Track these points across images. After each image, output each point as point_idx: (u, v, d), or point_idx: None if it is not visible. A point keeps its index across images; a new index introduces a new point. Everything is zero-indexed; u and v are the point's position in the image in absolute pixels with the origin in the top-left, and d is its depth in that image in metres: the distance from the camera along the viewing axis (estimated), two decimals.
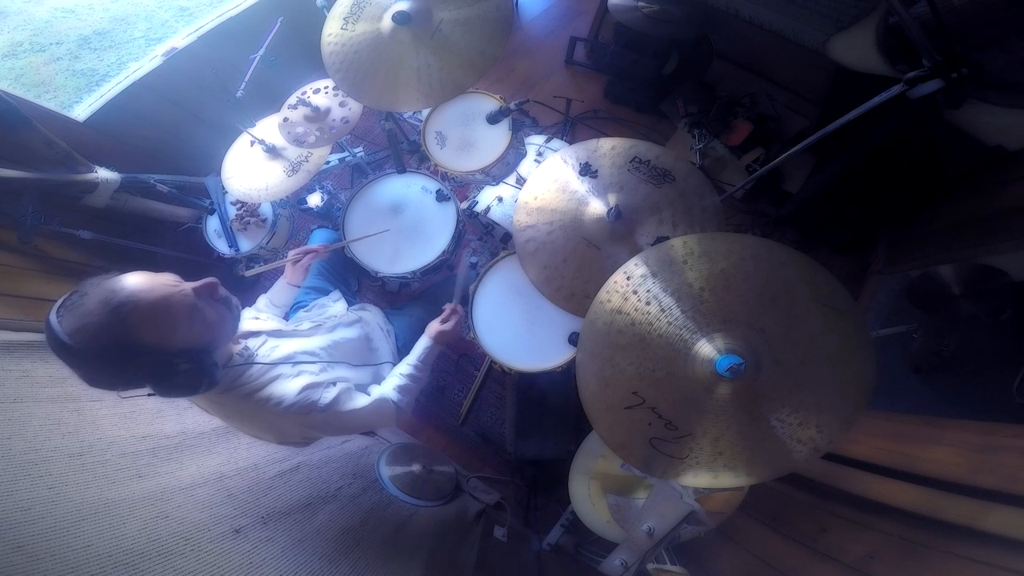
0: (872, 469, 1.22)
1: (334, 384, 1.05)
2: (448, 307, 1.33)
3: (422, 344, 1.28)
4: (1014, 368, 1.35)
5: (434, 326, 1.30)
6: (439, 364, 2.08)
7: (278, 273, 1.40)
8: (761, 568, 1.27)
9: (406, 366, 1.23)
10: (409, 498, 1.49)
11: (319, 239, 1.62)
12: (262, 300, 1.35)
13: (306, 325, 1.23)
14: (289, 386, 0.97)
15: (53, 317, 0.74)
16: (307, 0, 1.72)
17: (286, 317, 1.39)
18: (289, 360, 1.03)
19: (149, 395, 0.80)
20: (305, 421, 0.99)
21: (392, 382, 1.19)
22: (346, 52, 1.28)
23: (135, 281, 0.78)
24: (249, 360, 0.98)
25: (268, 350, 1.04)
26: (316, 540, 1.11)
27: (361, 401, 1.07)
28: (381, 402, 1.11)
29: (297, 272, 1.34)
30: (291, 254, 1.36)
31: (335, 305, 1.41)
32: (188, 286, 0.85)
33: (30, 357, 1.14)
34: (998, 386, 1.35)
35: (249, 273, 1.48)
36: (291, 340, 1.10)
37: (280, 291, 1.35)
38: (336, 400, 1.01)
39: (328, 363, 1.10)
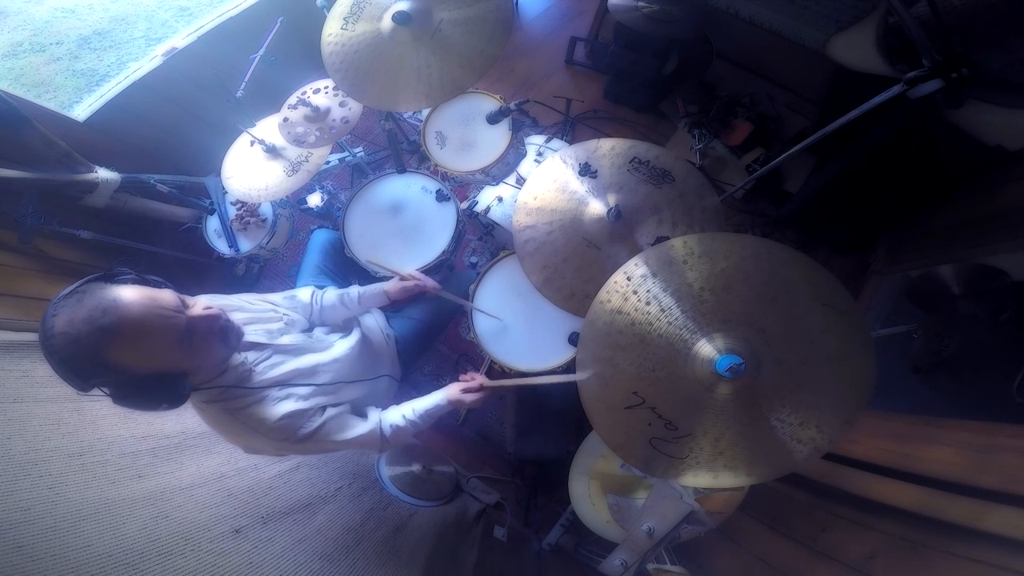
0: (872, 469, 1.22)
1: (323, 411, 1.03)
2: (478, 378, 1.22)
3: (435, 400, 1.20)
4: (1014, 368, 1.35)
5: (455, 392, 1.20)
6: (439, 364, 2.08)
7: (282, 267, 1.37)
8: (761, 568, 1.27)
9: (411, 411, 1.17)
10: (409, 498, 1.49)
11: (319, 239, 1.61)
12: (355, 291, 1.30)
13: (317, 335, 1.21)
14: (272, 410, 0.96)
15: (51, 309, 0.75)
16: (307, 0, 1.72)
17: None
18: (282, 383, 1.01)
19: (107, 394, 0.80)
20: (280, 446, 0.99)
21: (391, 419, 1.15)
22: (346, 52, 1.28)
23: (128, 302, 0.77)
24: (243, 379, 0.97)
25: (267, 367, 1.02)
26: (316, 540, 1.11)
27: (350, 433, 1.05)
28: (370, 434, 1.09)
29: (399, 290, 1.29)
30: (407, 272, 1.31)
31: None
32: (184, 316, 0.83)
33: (30, 357, 1.14)
34: (998, 386, 1.35)
35: (369, 264, 1.45)
36: (295, 359, 1.08)
37: (375, 296, 1.30)
38: (318, 430, 1.00)
39: (323, 385, 1.08)
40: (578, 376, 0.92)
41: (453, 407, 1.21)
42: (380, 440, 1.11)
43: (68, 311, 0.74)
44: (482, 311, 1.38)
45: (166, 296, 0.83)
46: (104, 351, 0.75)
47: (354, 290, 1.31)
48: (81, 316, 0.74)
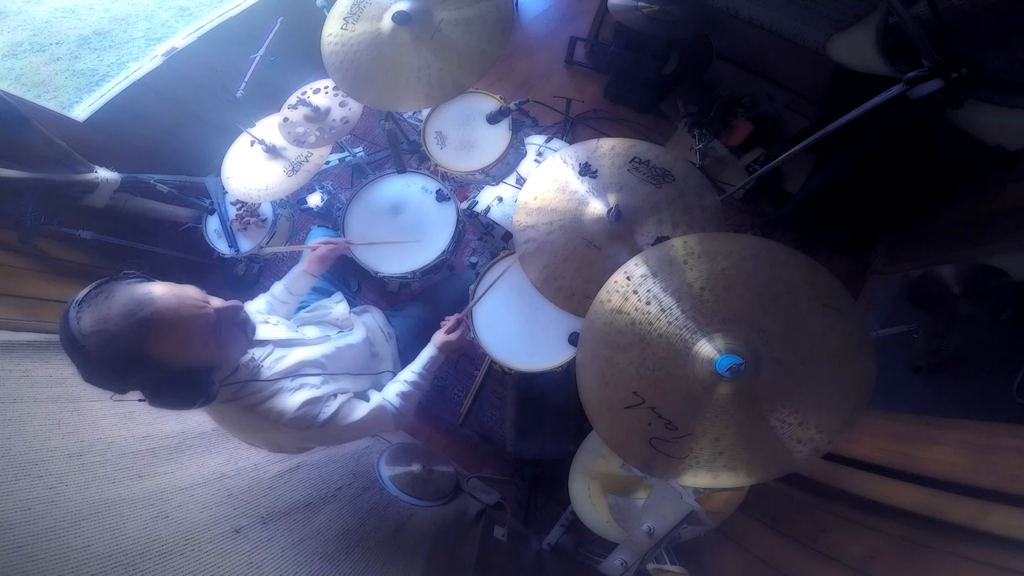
0: (872, 469, 1.22)
1: (335, 396, 1.05)
2: (451, 317, 1.33)
3: (427, 354, 1.28)
4: (1014, 368, 1.35)
5: (439, 336, 1.30)
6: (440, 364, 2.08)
7: (285, 265, 1.39)
8: (761, 568, 1.27)
9: (410, 373, 1.23)
10: (409, 498, 1.49)
11: (317, 238, 1.62)
12: (278, 287, 1.33)
13: (312, 332, 1.23)
14: (289, 401, 0.97)
15: (73, 311, 0.73)
16: (307, 0, 1.72)
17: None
18: (291, 374, 1.03)
19: (140, 400, 0.80)
20: (303, 436, 1.00)
21: (395, 388, 1.20)
22: (346, 52, 1.28)
23: (162, 295, 0.78)
24: (254, 374, 0.98)
25: (273, 361, 1.03)
26: (316, 540, 1.11)
27: (360, 412, 1.07)
28: (379, 410, 1.12)
29: (316, 262, 1.34)
30: (315, 242, 1.35)
31: (337, 307, 1.40)
32: (212, 307, 0.85)
33: (30, 357, 1.14)
34: (998, 386, 1.35)
35: (266, 251, 1.48)
36: (297, 350, 1.10)
37: (297, 279, 1.34)
38: (335, 414, 1.02)
39: (331, 374, 1.10)
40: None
41: (445, 352, 1.29)
42: (393, 411, 1.14)
43: (96, 311, 0.73)
44: (389, 241, 1.49)
45: (191, 290, 0.84)
46: (144, 344, 0.75)
47: (277, 286, 1.34)
48: (116, 312, 0.73)
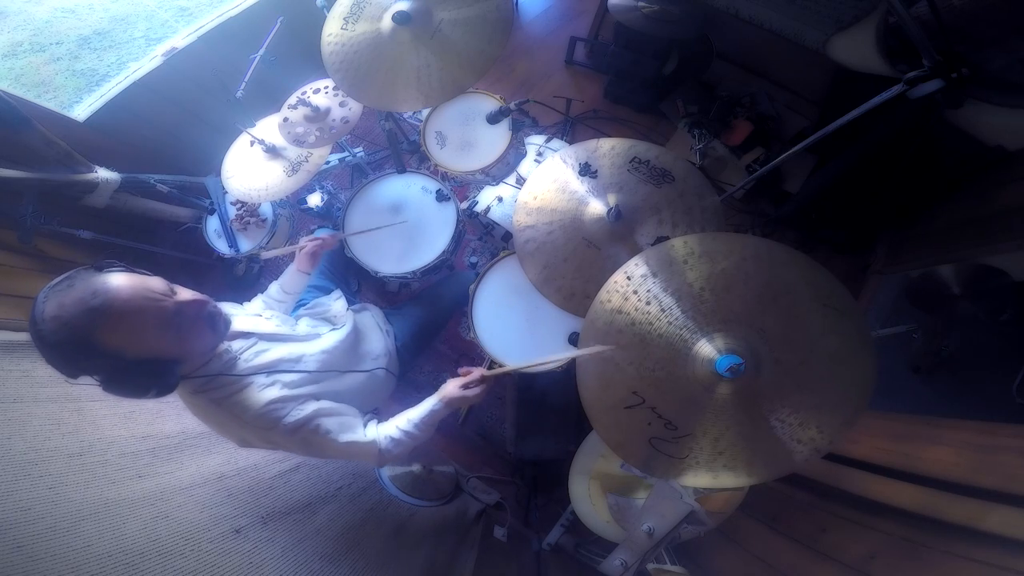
0: (872, 469, 1.22)
1: (316, 399, 1.01)
2: (477, 371, 1.11)
3: (429, 406, 1.10)
4: (1014, 368, 1.35)
5: (451, 390, 1.09)
6: (439, 364, 2.08)
7: (284, 265, 1.39)
8: (761, 568, 1.27)
9: (406, 422, 1.09)
10: (409, 498, 1.49)
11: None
12: (274, 287, 1.33)
13: (303, 328, 1.22)
14: (257, 397, 0.94)
15: (42, 296, 0.76)
16: (307, 0, 1.72)
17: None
18: (267, 369, 1.00)
19: (97, 382, 0.81)
20: (267, 436, 0.96)
21: (388, 431, 1.07)
22: (346, 52, 1.28)
23: (118, 285, 0.79)
24: (227, 367, 0.96)
25: (252, 355, 1.02)
26: (316, 540, 1.11)
27: (347, 436, 1.01)
28: (366, 445, 1.03)
29: (306, 260, 1.33)
30: (302, 241, 1.35)
31: (336, 304, 1.40)
32: (172, 300, 0.84)
33: (30, 357, 1.14)
34: (998, 386, 1.35)
35: (265, 254, 1.50)
36: (281, 345, 1.08)
37: (291, 278, 1.34)
38: (307, 421, 0.96)
39: (311, 373, 1.06)
40: (577, 353, 0.91)
41: (453, 407, 1.10)
42: (378, 450, 1.04)
43: (58, 297, 0.76)
44: (377, 227, 1.48)
45: (154, 281, 0.85)
46: (94, 333, 0.75)
47: (273, 286, 1.34)
48: (72, 299, 0.75)
